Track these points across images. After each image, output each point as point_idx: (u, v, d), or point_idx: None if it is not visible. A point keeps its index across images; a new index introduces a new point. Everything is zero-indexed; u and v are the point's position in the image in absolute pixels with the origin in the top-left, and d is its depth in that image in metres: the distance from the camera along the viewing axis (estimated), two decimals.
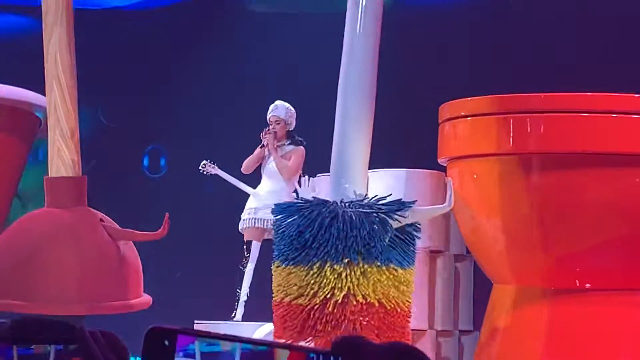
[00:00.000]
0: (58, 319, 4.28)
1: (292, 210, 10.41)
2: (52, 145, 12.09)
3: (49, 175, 12.07)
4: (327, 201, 10.24)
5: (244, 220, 13.34)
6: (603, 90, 10.85)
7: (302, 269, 10.09)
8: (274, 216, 10.85)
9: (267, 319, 12.07)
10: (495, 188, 10.83)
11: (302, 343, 10.26)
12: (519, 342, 10.82)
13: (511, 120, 10.56)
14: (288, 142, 13.25)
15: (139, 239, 12.08)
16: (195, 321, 12.77)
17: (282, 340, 10.41)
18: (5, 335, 6.49)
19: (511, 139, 10.56)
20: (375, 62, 10.96)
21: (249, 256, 13.24)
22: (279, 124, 13.18)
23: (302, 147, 13.26)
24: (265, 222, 13.10)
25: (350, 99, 10.82)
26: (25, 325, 3.37)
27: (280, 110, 13.24)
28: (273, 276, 10.63)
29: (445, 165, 11.30)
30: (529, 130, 10.58)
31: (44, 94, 12.75)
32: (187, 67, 17.42)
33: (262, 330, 12.07)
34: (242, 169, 13.41)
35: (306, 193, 11.05)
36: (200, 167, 13.81)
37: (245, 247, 13.37)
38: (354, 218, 10.11)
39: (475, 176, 10.99)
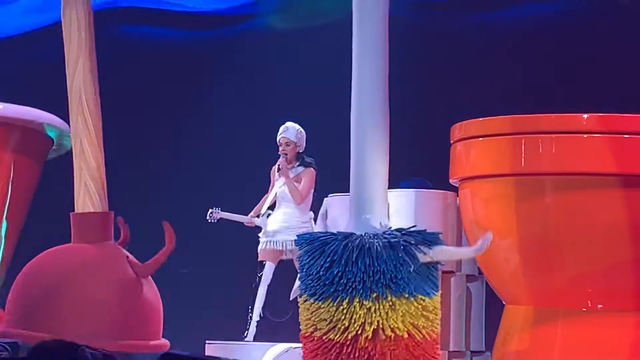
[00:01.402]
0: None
1: (316, 245, 10.02)
2: (79, 181, 11.99)
3: (76, 211, 11.99)
4: (352, 234, 9.88)
5: (262, 242, 13.28)
6: (614, 111, 10.72)
7: (331, 305, 9.75)
8: (298, 249, 10.53)
9: (279, 339, 12.22)
10: (507, 209, 10.77)
11: None
12: None
13: (523, 141, 10.49)
14: (298, 164, 13.18)
15: (162, 260, 11.89)
16: (207, 341, 12.70)
17: None
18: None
19: (523, 159, 10.48)
20: (386, 85, 10.38)
21: (261, 275, 13.14)
22: (289, 145, 13.10)
23: (312, 168, 13.18)
24: (283, 244, 13.06)
25: (366, 126, 10.28)
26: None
27: (290, 132, 13.15)
28: (300, 310, 10.34)
29: (456, 185, 11.30)
30: (541, 151, 10.47)
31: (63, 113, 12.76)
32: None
33: (274, 351, 11.97)
34: (253, 213, 13.43)
35: (323, 224, 10.95)
36: (207, 217, 13.77)
37: (258, 267, 13.29)
38: (379, 251, 9.80)
39: (487, 197, 10.95)
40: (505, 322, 11.14)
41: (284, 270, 13.14)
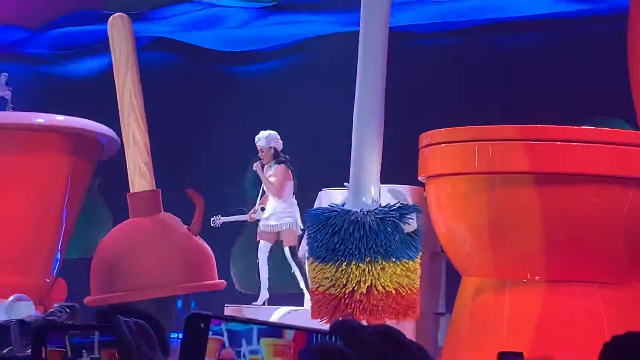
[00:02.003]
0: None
1: (322, 218, 10.86)
2: (134, 166, 12.69)
3: (132, 191, 12.69)
4: (349, 211, 10.69)
5: (259, 227, 13.69)
6: (544, 123, 11.48)
7: (332, 266, 10.62)
8: (307, 221, 11.46)
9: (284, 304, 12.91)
10: (463, 200, 11.35)
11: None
12: (481, 322, 11.22)
13: (476, 147, 11.03)
14: (274, 162, 13.47)
15: (201, 219, 12.74)
16: (226, 305, 13.05)
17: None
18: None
19: (476, 161, 11.03)
20: (382, 101, 11.24)
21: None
22: (262, 151, 13.45)
23: (283, 165, 13.48)
24: (272, 227, 13.52)
25: (365, 131, 11.23)
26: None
27: (262, 140, 13.52)
28: (308, 270, 11.40)
29: (424, 182, 11.81)
30: (490, 154, 11.03)
31: (109, 124, 13.72)
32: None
33: (278, 313, 12.43)
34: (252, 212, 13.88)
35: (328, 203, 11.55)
36: (211, 224, 14.00)
37: (257, 246, 13.75)
38: (372, 224, 10.62)
39: (447, 191, 11.51)
40: (462, 291, 11.63)
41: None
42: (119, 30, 13.16)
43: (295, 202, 13.40)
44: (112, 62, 13.50)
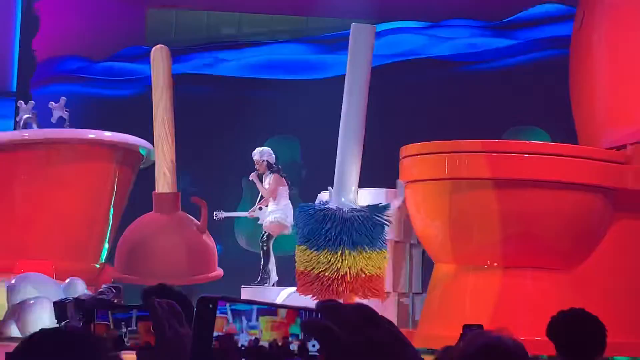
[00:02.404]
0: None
1: (320, 213, 10.99)
2: (159, 172, 12.88)
3: (157, 192, 12.92)
4: (341, 209, 10.95)
5: (264, 223, 13.39)
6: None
7: (328, 253, 10.77)
8: (298, 213, 11.46)
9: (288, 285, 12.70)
10: (435, 201, 11.30)
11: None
12: (449, 300, 11.22)
13: (446, 158, 11.13)
14: (269, 172, 13.30)
15: (205, 217, 12.81)
16: (242, 286, 12.84)
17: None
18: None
19: (446, 169, 11.09)
20: (363, 121, 11.52)
21: (264, 242, 13.34)
22: (257, 163, 13.27)
23: (276, 173, 13.31)
24: (267, 222, 13.28)
25: (347, 146, 11.46)
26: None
27: (257, 155, 13.31)
28: (297, 255, 11.20)
29: (404, 186, 11.73)
30: (457, 164, 11.07)
31: (145, 138, 13.75)
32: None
33: (285, 293, 12.34)
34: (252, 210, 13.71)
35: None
36: (214, 217, 13.73)
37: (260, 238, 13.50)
38: (361, 220, 10.92)
39: (422, 193, 11.45)
40: (435, 274, 11.67)
41: None
42: (159, 59, 13.33)
43: (289, 203, 13.22)
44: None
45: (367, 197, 11.97)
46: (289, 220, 13.10)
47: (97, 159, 13.57)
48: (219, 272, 12.92)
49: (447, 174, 11.14)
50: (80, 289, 11.41)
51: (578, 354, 3.94)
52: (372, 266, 11.01)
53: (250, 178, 13.43)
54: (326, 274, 10.84)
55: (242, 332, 1.46)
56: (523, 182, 10.85)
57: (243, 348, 1.45)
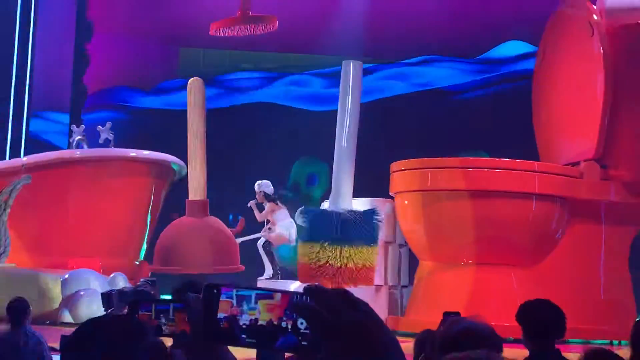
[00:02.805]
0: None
1: (324, 216, 11.09)
2: (192, 182, 12.82)
3: (190, 199, 12.89)
4: (342, 212, 10.93)
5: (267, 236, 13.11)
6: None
7: (333, 249, 10.75)
8: (304, 217, 11.29)
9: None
10: (418, 209, 11.21)
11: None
12: (431, 292, 11.14)
13: (428, 173, 11.11)
14: (266, 201, 13.04)
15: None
16: (258, 278, 12.76)
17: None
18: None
19: (428, 182, 11.09)
20: (354, 141, 11.46)
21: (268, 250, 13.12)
22: (257, 194, 13.04)
23: (270, 202, 13.02)
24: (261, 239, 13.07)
25: (341, 162, 11.40)
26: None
27: (256, 187, 13.06)
28: (302, 250, 11.14)
29: (393, 196, 11.70)
30: (438, 178, 11.03)
31: (179, 155, 13.68)
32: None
33: (294, 285, 11.99)
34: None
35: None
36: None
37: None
38: (361, 222, 10.92)
39: (408, 202, 11.41)
40: (419, 270, 11.66)
41: None
42: (194, 88, 13.31)
43: (292, 221, 12.81)
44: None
45: (361, 204, 11.88)
46: (291, 234, 12.89)
47: (136, 174, 13.57)
48: (241, 267, 12.83)
49: (429, 186, 11.12)
50: (122, 282, 11.42)
51: (542, 337, 3.89)
52: (364, 259, 10.97)
53: (249, 205, 13.22)
54: (327, 265, 10.81)
55: (244, 313, 1.46)
56: (493, 193, 10.79)
57: (244, 326, 1.45)
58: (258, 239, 13.35)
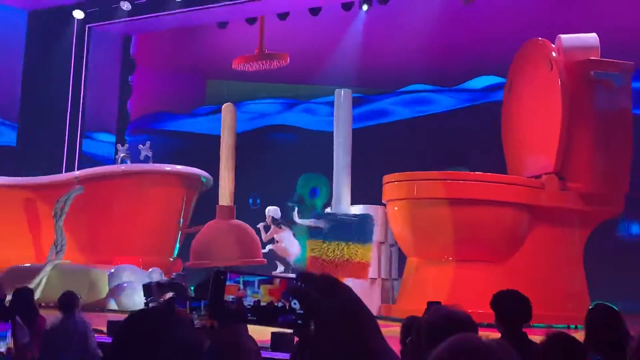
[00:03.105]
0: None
1: (337, 220, 11.10)
2: (223, 191, 12.70)
3: (220, 204, 12.71)
4: (348, 217, 11.06)
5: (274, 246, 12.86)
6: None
7: (340, 245, 10.84)
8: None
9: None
10: (406, 214, 11.19)
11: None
12: (417, 284, 11.13)
13: (415, 184, 11.07)
14: (272, 225, 12.73)
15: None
16: (272, 272, 12.43)
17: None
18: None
19: (415, 191, 11.03)
20: (349, 157, 11.56)
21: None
22: (267, 218, 12.74)
23: (275, 225, 12.71)
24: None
25: (340, 176, 11.45)
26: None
27: (267, 213, 12.78)
28: (312, 246, 11.07)
29: (385, 203, 11.66)
30: (422, 188, 10.97)
31: (209, 169, 13.58)
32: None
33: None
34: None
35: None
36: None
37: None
38: (360, 225, 11.01)
39: (396, 208, 11.39)
40: (407, 266, 11.64)
41: None
42: (227, 112, 13.23)
43: (295, 241, 12.50)
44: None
45: (359, 209, 11.90)
46: (291, 250, 12.58)
47: (171, 185, 13.55)
48: (263, 260, 12.67)
49: (416, 195, 11.09)
50: (158, 276, 11.37)
51: (512, 322, 3.87)
52: (361, 255, 10.94)
53: (258, 226, 12.98)
54: (332, 259, 10.82)
55: (248, 296, 1.44)
56: (469, 201, 10.76)
57: (249, 307, 1.44)
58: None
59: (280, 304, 1.42)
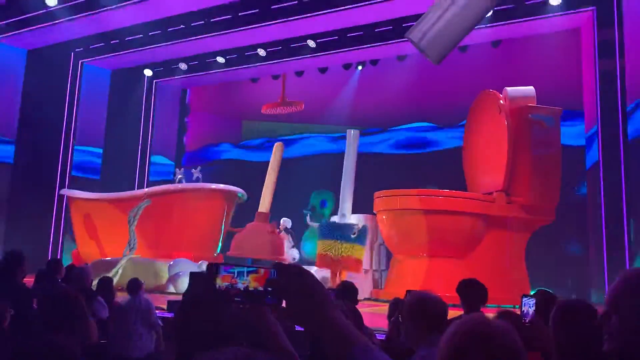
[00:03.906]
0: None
1: (332, 225, 10.83)
2: (263, 201, 12.47)
3: (259, 211, 12.53)
4: (346, 223, 10.84)
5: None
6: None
7: (338, 245, 10.57)
8: (322, 225, 10.91)
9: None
10: (391, 222, 11.04)
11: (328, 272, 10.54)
12: (399, 275, 10.99)
13: (398, 198, 10.81)
14: (284, 232, 12.69)
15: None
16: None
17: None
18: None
19: (397, 204, 10.83)
20: (352, 180, 11.39)
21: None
22: (281, 226, 12.70)
23: (283, 232, 12.46)
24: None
25: (344, 193, 11.27)
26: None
27: (282, 221, 12.71)
28: (320, 246, 10.76)
29: (376, 213, 11.43)
30: (403, 201, 10.80)
31: (242, 187, 13.30)
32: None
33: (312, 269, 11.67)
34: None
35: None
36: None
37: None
38: (354, 229, 10.73)
39: (384, 217, 11.20)
40: (392, 260, 11.48)
41: None
42: (277, 148, 13.18)
43: (294, 250, 12.28)
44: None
45: (356, 218, 11.73)
46: (290, 253, 12.34)
47: (215, 198, 13.38)
48: (286, 257, 12.48)
49: (399, 207, 10.95)
50: (205, 267, 11.29)
51: (472, 302, 3.81)
52: (356, 253, 10.68)
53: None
54: (335, 255, 10.59)
55: (239, 282, 1.38)
56: (438, 211, 10.63)
57: (239, 291, 1.38)
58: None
59: (261, 289, 1.37)
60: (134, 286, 5.44)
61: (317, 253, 10.83)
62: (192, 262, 11.83)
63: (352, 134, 11.64)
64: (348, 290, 4.31)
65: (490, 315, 3.43)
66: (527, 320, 3.33)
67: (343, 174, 11.42)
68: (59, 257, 11.76)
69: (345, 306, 3.36)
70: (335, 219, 11.70)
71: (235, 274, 1.39)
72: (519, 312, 3.30)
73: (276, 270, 1.32)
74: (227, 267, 1.40)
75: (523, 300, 3.61)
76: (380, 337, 4.40)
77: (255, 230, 12.44)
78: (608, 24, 11.03)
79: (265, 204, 12.77)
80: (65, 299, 2.43)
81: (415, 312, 2.47)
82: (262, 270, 1.39)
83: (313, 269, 11.36)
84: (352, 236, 10.48)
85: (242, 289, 1.38)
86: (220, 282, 1.39)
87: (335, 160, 12.47)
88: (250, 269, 1.39)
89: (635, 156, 9.92)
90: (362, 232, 10.74)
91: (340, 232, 10.61)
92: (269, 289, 1.34)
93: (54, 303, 2.43)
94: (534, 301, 3.51)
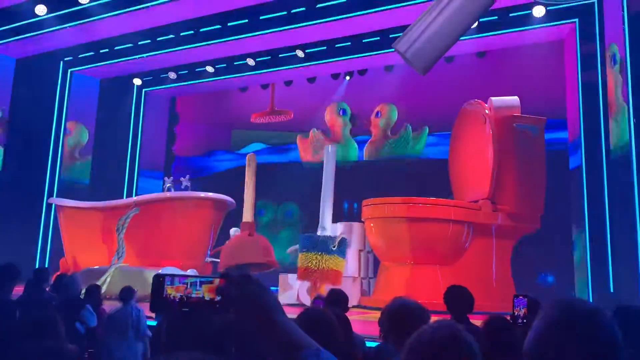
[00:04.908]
0: None
1: (313, 238, 10.63)
2: (246, 211, 12.31)
3: (243, 221, 12.31)
4: (326, 236, 10.61)
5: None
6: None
7: (318, 256, 10.34)
8: (303, 238, 10.70)
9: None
10: (378, 229, 11.00)
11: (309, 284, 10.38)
12: (386, 282, 10.97)
13: (385, 206, 10.74)
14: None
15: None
16: (280, 274, 11.83)
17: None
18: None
19: (385, 211, 10.76)
20: (332, 191, 11.18)
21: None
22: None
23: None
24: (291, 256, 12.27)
25: (324, 204, 11.12)
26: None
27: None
28: (300, 257, 10.51)
29: (364, 220, 11.36)
30: (390, 209, 10.78)
31: (233, 196, 13.19)
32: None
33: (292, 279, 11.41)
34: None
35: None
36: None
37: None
38: (335, 242, 10.52)
39: (372, 225, 11.14)
40: (380, 268, 11.46)
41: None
42: (251, 159, 12.96)
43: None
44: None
45: (339, 228, 11.60)
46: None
47: (204, 207, 13.31)
48: (277, 263, 12.29)
49: (385, 214, 10.90)
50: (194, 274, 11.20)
51: (459, 309, 3.83)
52: (336, 266, 10.49)
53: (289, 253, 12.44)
54: (314, 268, 10.45)
55: (193, 293, 1.38)
56: (424, 219, 10.60)
57: (193, 301, 1.38)
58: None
59: (215, 298, 1.37)
60: (126, 294, 5.44)
61: (298, 266, 10.66)
62: (181, 270, 11.69)
63: (329, 150, 11.56)
64: (339, 298, 4.34)
65: (478, 322, 3.42)
66: (520, 321, 3.35)
67: (322, 189, 11.26)
68: (46, 266, 11.58)
69: (335, 314, 3.39)
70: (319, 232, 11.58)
71: (189, 285, 1.39)
72: (507, 318, 3.31)
73: (224, 280, 1.32)
74: (181, 278, 1.39)
75: (515, 300, 3.61)
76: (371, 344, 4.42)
77: (238, 239, 12.40)
78: (590, 36, 11.18)
79: (248, 213, 12.72)
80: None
81: (392, 320, 2.47)
82: (216, 280, 1.38)
83: (296, 282, 11.15)
84: (332, 248, 10.37)
85: (194, 299, 1.37)
86: (175, 293, 1.38)
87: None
88: (204, 279, 1.39)
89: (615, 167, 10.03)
90: (342, 243, 10.62)
91: (321, 245, 10.46)
92: (218, 298, 1.34)
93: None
94: (526, 300, 3.48)
